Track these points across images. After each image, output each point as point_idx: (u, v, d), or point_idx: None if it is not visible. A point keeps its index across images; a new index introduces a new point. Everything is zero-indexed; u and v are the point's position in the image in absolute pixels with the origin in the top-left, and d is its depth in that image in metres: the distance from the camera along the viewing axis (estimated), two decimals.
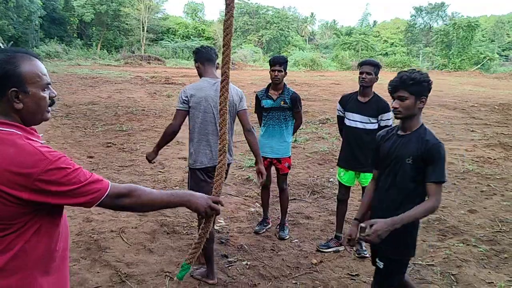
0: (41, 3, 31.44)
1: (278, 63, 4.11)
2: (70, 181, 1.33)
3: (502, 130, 10.25)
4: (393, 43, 60.34)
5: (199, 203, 1.62)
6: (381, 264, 2.48)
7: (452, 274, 3.53)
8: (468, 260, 3.76)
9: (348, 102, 3.92)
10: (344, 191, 4.08)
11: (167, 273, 3.45)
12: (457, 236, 4.26)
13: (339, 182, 4.10)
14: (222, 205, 1.71)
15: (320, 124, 10.55)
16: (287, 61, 4.30)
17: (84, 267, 3.47)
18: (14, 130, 1.35)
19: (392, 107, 2.34)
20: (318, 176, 6.31)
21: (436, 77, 34.06)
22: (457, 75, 36.66)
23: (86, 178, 1.37)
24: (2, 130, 1.33)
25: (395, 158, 2.37)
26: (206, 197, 1.65)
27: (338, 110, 4.06)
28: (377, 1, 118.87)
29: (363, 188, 3.93)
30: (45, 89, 1.42)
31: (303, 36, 68.32)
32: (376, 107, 3.75)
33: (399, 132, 2.42)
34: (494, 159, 7.28)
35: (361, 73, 3.77)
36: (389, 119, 3.71)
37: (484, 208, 5.02)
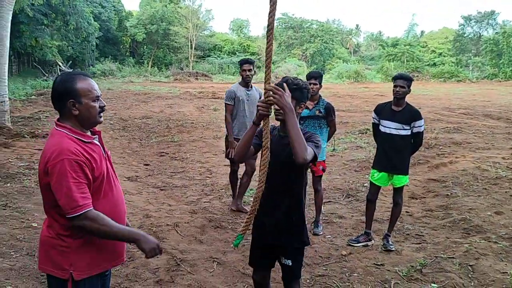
0: (98, 25, 33.61)
1: (313, 77, 4.70)
2: (62, 182, 1.79)
3: None
4: (441, 53, 58.97)
5: (147, 244, 1.93)
6: (289, 262, 2.67)
7: (470, 265, 3.88)
8: (487, 254, 4.10)
9: (383, 111, 4.35)
10: (374, 191, 4.48)
11: (215, 259, 4.03)
12: (480, 234, 4.58)
13: (371, 182, 4.50)
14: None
15: (360, 134, 10.92)
16: (321, 75, 4.89)
17: None
18: (64, 130, 1.91)
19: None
20: (353, 182, 6.74)
21: (486, 87, 33.28)
22: (507, 84, 35.47)
23: (76, 190, 1.79)
24: (57, 129, 1.93)
25: (274, 158, 2.40)
26: (156, 242, 1.97)
27: (374, 118, 4.47)
28: (424, 11, 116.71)
29: (395, 189, 4.40)
30: (95, 100, 1.97)
31: (348, 48, 68.17)
32: (409, 116, 4.16)
33: (281, 133, 2.59)
34: None
35: (395, 86, 4.19)
36: (421, 126, 4.14)
37: (511, 210, 5.28)
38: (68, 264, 1.92)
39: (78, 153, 1.85)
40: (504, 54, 42.29)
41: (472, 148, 8.99)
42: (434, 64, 52.97)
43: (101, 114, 2.02)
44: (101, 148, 2.06)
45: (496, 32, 48.62)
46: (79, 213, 1.81)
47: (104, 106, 2.04)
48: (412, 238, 4.62)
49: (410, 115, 4.17)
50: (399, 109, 4.22)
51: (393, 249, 4.27)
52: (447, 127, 11.73)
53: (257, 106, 2.31)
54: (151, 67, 42.39)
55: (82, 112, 1.93)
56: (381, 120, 4.34)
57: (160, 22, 41.43)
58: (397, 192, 4.39)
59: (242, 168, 5.48)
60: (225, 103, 5.29)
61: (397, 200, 4.39)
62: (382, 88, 31.18)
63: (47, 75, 27.57)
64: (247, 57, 8.81)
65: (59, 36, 28.41)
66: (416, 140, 4.22)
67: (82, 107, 1.93)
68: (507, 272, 3.70)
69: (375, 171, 4.42)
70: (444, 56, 56.66)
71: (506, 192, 5.97)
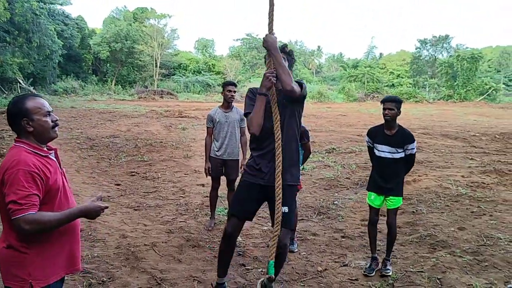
0: (61, 43, 32.98)
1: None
2: (12, 188, 1.93)
3: (500, 157, 10.83)
4: (399, 74, 61.41)
5: (91, 213, 2.15)
6: (286, 208, 3.18)
7: (438, 278, 4.12)
8: (453, 267, 4.35)
9: (376, 135, 4.39)
10: (375, 213, 4.47)
11: (195, 278, 4.09)
12: (445, 249, 4.86)
13: (370, 206, 4.49)
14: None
15: (327, 154, 11.23)
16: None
17: (125, 273, 4.12)
18: (22, 145, 2.08)
19: None
20: (324, 200, 6.96)
21: (442, 107, 34.85)
22: (462, 105, 37.34)
23: (23, 196, 1.93)
24: (16, 144, 2.10)
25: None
26: (95, 205, 2.15)
27: (367, 141, 4.52)
28: (382, 35, 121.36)
29: (389, 211, 4.38)
30: (47, 116, 2.16)
31: (310, 69, 69.77)
32: (402, 139, 4.21)
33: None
34: (488, 184, 7.86)
35: (384, 109, 4.24)
36: (413, 148, 4.21)
37: (473, 226, 5.61)
38: (26, 274, 2.05)
39: (33, 165, 2.00)
40: (458, 76, 44.53)
41: (433, 167, 9.46)
42: (393, 85, 55.06)
43: (55, 128, 2.21)
44: (57, 163, 2.22)
45: (451, 55, 51.20)
46: (20, 215, 1.92)
47: (57, 120, 2.23)
48: (382, 254, 4.82)
49: (403, 138, 4.21)
50: (392, 132, 4.25)
51: (390, 273, 4.25)
52: None
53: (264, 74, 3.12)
54: (115, 85, 41.83)
55: (36, 128, 2.11)
56: (375, 144, 4.38)
57: (124, 41, 41.11)
58: (391, 214, 4.37)
59: (222, 187, 5.60)
60: (206, 126, 5.50)
61: (391, 222, 4.37)
62: (344, 108, 32.16)
63: (7, 92, 26.77)
64: (229, 80, 9.17)
65: (20, 54, 27.72)
66: (409, 161, 4.29)
67: (35, 123, 2.10)
68: (472, 285, 3.94)
69: (372, 193, 4.44)
70: (402, 78, 59.04)
71: (467, 208, 6.34)
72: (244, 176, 3.51)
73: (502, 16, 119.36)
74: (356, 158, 10.62)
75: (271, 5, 3.14)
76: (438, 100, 44.17)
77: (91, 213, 2.16)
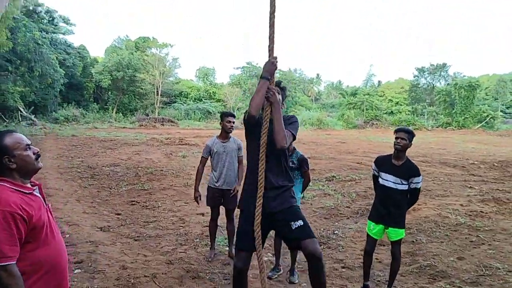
0: (63, 72, 33.42)
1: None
2: None
3: (498, 186, 10.88)
4: (397, 102, 61.98)
5: None
6: (301, 222, 3.26)
7: None
8: None
9: (383, 164, 4.43)
10: (371, 243, 4.48)
11: None
12: (445, 279, 4.86)
13: (368, 235, 4.51)
14: None
15: (327, 182, 11.27)
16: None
17: None
18: (4, 184, 2.06)
19: None
20: (324, 229, 6.98)
21: (441, 135, 35.08)
22: (461, 133, 37.57)
23: (5, 241, 1.90)
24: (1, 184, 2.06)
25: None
26: None
27: (373, 169, 4.56)
28: (380, 63, 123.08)
29: (392, 243, 4.41)
30: (27, 149, 2.17)
31: (310, 96, 70.45)
32: (408, 171, 4.24)
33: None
34: (486, 213, 7.89)
35: (396, 138, 4.28)
36: (419, 182, 4.23)
37: (472, 255, 5.62)
38: None
39: (15, 205, 1.98)
40: (456, 104, 44.96)
41: (433, 196, 9.49)
42: (392, 113, 55.48)
43: (38, 159, 2.20)
44: (41, 199, 2.20)
45: (448, 84, 51.80)
46: (2, 264, 1.91)
47: (38, 151, 2.23)
48: (382, 285, 4.82)
49: (409, 170, 4.23)
50: (399, 163, 4.27)
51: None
52: None
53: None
54: (116, 113, 42.15)
55: (19, 164, 2.11)
56: (380, 173, 4.41)
57: (126, 69, 41.66)
58: (395, 245, 4.39)
59: (221, 216, 5.62)
60: (201, 155, 5.57)
61: (395, 253, 4.39)
62: (344, 135, 32.33)
63: (7, 121, 26.94)
64: (226, 110, 9.34)
65: (22, 83, 28.10)
66: (413, 195, 4.31)
67: (17, 159, 2.11)
68: None
69: (372, 223, 4.46)
70: (401, 105, 59.55)
71: (466, 238, 6.36)
72: (242, 206, 3.49)
73: (498, 44, 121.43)
74: (356, 186, 10.66)
75: (271, 26, 3.20)
76: (437, 127, 44.47)
77: None
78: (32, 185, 2.21)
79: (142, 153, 16.42)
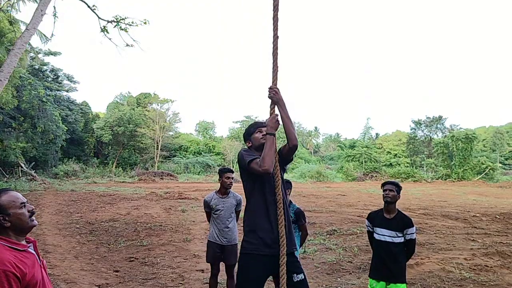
0: (65, 128, 33.92)
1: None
2: None
3: (501, 239, 10.75)
4: (396, 154, 62.44)
5: None
6: (299, 277, 3.18)
7: None
8: None
9: (375, 218, 4.49)
10: None
11: None
12: None
13: None
14: None
15: (328, 236, 11.14)
16: (287, 182, 5.20)
17: None
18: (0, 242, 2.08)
19: None
20: (326, 285, 6.83)
21: (441, 187, 34.98)
22: (461, 184, 37.50)
23: None
24: None
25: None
26: None
27: (367, 225, 4.60)
28: (377, 115, 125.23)
29: None
30: (22, 207, 2.20)
31: (308, 149, 71.08)
32: (401, 223, 4.30)
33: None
34: (491, 267, 7.76)
35: (384, 190, 4.39)
36: (413, 233, 4.26)
37: None
38: None
39: (9, 263, 1.99)
40: (454, 156, 45.22)
41: (435, 249, 9.36)
42: (391, 165, 55.78)
43: (33, 217, 2.22)
44: (36, 256, 2.21)
45: (445, 136, 52.38)
46: None
47: (33, 209, 2.26)
48: None
49: (402, 222, 4.28)
50: (391, 216, 4.34)
51: None
52: None
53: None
54: (116, 167, 42.30)
55: (13, 222, 2.14)
56: (375, 228, 4.44)
57: (127, 124, 42.30)
58: None
59: (221, 272, 5.54)
60: (205, 211, 5.61)
61: None
62: (344, 187, 32.25)
63: (7, 176, 26.97)
64: (225, 166, 9.45)
65: (24, 138, 28.46)
66: (409, 247, 4.30)
67: (12, 217, 2.14)
68: None
69: (374, 281, 4.41)
70: (399, 157, 59.98)
71: None
72: (245, 249, 3.32)
73: (493, 97, 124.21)
74: (358, 240, 10.53)
75: (275, 54, 3.34)
76: (437, 179, 44.43)
77: None
78: (27, 242, 2.23)
79: (141, 207, 16.32)
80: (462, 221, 13.92)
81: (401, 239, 4.26)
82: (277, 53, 3.33)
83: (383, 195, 4.39)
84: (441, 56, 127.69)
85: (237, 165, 3.39)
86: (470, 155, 44.79)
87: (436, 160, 50.41)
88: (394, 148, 64.38)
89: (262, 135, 3.43)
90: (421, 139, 58.23)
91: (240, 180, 3.49)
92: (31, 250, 2.21)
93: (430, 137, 57.35)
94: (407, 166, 50.73)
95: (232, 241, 5.38)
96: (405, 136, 61.57)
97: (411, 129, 59.68)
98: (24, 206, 2.21)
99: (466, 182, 39.97)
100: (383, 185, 4.49)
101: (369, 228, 4.57)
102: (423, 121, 58.40)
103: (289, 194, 5.02)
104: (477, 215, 15.22)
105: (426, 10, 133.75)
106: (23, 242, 2.19)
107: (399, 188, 4.42)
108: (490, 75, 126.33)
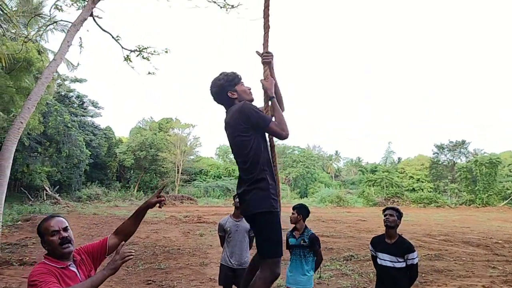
0: (89, 152, 34.81)
1: (296, 208, 5.22)
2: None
3: None
4: (419, 179, 61.41)
5: (115, 267, 2.49)
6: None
7: None
8: None
9: (378, 244, 4.59)
10: None
11: None
12: None
13: None
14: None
15: (345, 261, 11.09)
16: (302, 206, 5.36)
17: None
18: (44, 260, 2.46)
19: None
20: None
21: (464, 212, 34.22)
22: (485, 210, 36.60)
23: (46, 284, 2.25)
24: (41, 261, 2.47)
25: None
26: (118, 262, 2.51)
27: (371, 250, 4.72)
28: (399, 140, 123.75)
29: None
30: (54, 235, 2.50)
31: (329, 173, 70.60)
32: (402, 248, 4.37)
33: None
34: None
35: (385, 215, 4.52)
36: (414, 258, 4.31)
37: None
38: None
39: (48, 269, 2.36)
40: (478, 181, 44.24)
41: (454, 276, 9.23)
42: (413, 190, 54.81)
43: (64, 245, 2.49)
44: (76, 273, 2.52)
45: (469, 160, 51.40)
46: None
47: (64, 237, 2.51)
48: None
49: (403, 247, 4.34)
50: (392, 241, 4.42)
51: None
52: (428, 254, 12.03)
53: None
54: (137, 191, 42.90)
55: (48, 247, 2.49)
56: (377, 253, 4.51)
57: (149, 149, 43.08)
58: None
59: None
60: (218, 234, 5.74)
61: None
62: (364, 213, 31.87)
63: (33, 199, 27.69)
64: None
65: (50, 163, 29.30)
66: (411, 273, 4.33)
67: (46, 243, 2.49)
68: None
69: None
70: (422, 182, 58.86)
71: None
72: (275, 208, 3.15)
73: None
74: None
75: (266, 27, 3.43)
76: (460, 205, 43.44)
77: (116, 270, 2.48)
78: (74, 260, 2.58)
79: (161, 231, 16.55)
80: (483, 247, 13.65)
81: (402, 264, 4.31)
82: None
83: (384, 220, 4.51)
84: (465, 81, 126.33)
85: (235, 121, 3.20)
86: (494, 180, 43.75)
87: (460, 185, 49.37)
88: (417, 173, 63.35)
89: (267, 99, 3.32)
90: (444, 163, 57.24)
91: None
92: (72, 268, 2.51)
93: (454, 161, 56.35)
94: (430, 191, 49.81)
95: (243, 265, 5.48)
96: (427, 161, 60.59)
97: (433, 154, 58.79)
98: (56, 233, 2.49)
99: (490, 208, 38.99)
100: (384, 210, 4.61)
101: (372, 253, 4.67)
102: (446, 145, 57.53)
103: (305, 220, 5.18)
104: (500, 241, 14.90)
105: (453, 29, 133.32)
106: (64, 261, 2.50)
107: (399, 213, 4.54)
108: None
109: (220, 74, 3.33)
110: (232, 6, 12.03)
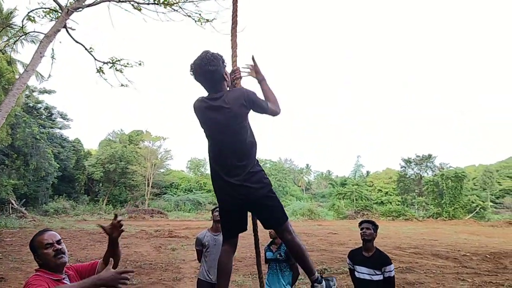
0: (57, 165, 33.86)
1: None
2: None
3: (491, 278, 10.81)
4: (387, 192, 62.59)
5: (107, 276, 2.21)
6: None
7: None
8: None
9: (355, 257, 4.63)
10: None
11: None
12: None
13: None
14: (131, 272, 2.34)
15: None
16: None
17: None
18: (38, 273, 2.46)
19: None
20: None
21: (432, 225, 34.99)
22: (452, 223, 37.54)
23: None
24: (35, 273, 2.47)
25: None
26: (112, 271, 2.26)
27: (348, 263, 4.74)
28: (367, 153, 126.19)
29: None
30: (47, 248, 2.52)
31: (300, 186, 71.07)
32: (379, 261, 4.42)
33: None
34: None
35: (361, 229, 4.55)
36: (391, 271, 4.36)
37: None
38: None
39: (43, 279, 2.36)
40: (445, 195, 45.44)
41: None
42: (382, 203, 55.79)
43: (59, 255, 2.51)
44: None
45: (435, 174, 52.77)
46: None
47: (58, 249, 2.53)
48: None
49: (381, 260, 4.40)
50: (369, 254, 4.47)
51: None
52: (399, 266, 12.21)
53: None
54: (106, 204, 41.91)
55: (42, 261, 2.49)
56: (355, 266, 4.55)
57: (118, 161, 42.32)
58: None
59: None
60: (196, 249, 5.65)
61: None
62: (335, 226, 32.15)
63: None
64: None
65: (17, 175, 28.32)
66: (388, 285, 4.36)
67: (40, 257, 2.50)
68: None
69: None
70: (390, 195, 60.04)
71: None
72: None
73: (482, 136, 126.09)
74: (348, 279, 10.43)
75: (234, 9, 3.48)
76: (428, 218, 44.42)
77: (108, 282, 2.20)
78: (67, 274, 2.58)
79: (131, 246, 16.18)
80: (452, 260, 13.97)
81: (380, 277, 4.36)
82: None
83: (361, 233, 4.55)
84: (428, 97, 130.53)
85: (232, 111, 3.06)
86: (460, 194, 45.04)
87: (427, 199, 50.59)
88: (385, 186, 64.60)
89: (263, 86, 3.40)
90: (412, 177, 58.55)
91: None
92: (66, 281, 2.51)
93: (420, 175, 57.72)
94: (398, 204, 50.82)
95: None
96: (395, 174, 61.88)
97: (401, 167, 60.09)
98: (49, 246, 2.50)
99: (457, 221, 40.02)
100: (360, 224, 4.65)
101: (350, 266, 4.70)
102: (413, 159, 58.94)
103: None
104: (468, 254, 15.29)
105: (416, 44, 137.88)
106: (59, 274, 2.50)
107: (375, 226, 4.60)
108: (478, 114, 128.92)
109: (212, 53, 3.11)
110: (207, 20, 11.97)
